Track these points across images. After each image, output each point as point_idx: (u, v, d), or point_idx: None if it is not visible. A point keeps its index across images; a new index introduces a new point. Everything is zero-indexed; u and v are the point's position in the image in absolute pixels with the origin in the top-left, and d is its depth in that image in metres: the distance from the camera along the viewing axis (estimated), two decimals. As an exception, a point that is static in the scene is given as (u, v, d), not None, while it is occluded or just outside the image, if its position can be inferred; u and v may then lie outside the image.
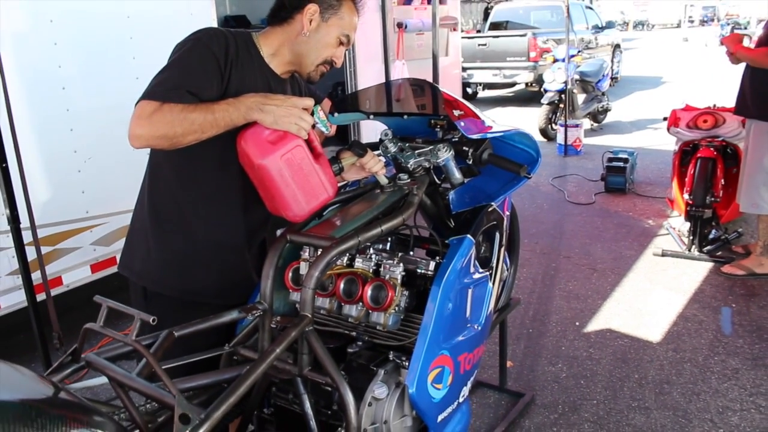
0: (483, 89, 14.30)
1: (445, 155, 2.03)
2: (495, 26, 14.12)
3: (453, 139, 2.10)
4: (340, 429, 1.61)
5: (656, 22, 46.59)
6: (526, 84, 13.17)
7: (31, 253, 3.02)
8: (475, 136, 1.99)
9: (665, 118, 5.08)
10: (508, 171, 2.11)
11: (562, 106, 8.52)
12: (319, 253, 1.68)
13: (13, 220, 2.62)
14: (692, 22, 43.67)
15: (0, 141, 2.53)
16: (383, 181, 2.02)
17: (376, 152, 2.11)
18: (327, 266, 1.65)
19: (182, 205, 1.86)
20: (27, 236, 3.01)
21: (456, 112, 2.00)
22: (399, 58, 5.46)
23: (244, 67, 1.81)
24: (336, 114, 2.12)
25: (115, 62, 3.84)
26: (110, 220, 3.91)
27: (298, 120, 1.69)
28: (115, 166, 3.84)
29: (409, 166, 2.06)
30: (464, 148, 2.08)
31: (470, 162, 2.09)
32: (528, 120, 9.83)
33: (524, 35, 12.09)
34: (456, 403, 1.88)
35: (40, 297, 3.32)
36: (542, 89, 9.25)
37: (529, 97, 13.03)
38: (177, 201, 1.86)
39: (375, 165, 2.00)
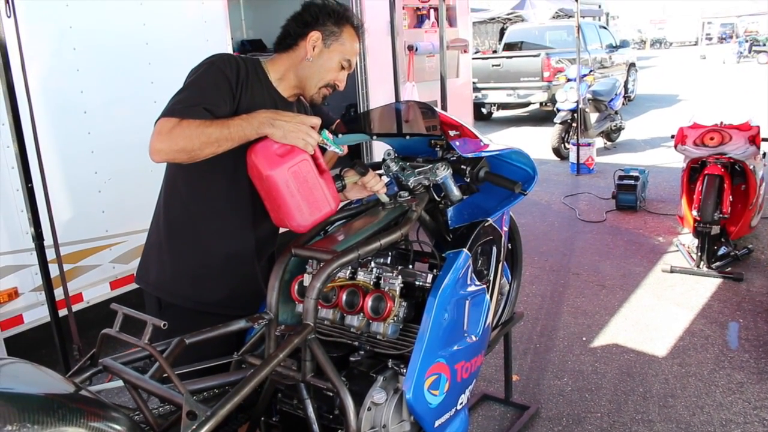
0: (497, 109, 14.42)
1: (444, 173, 2.13)
2: (509, 47, 14.26)
3: (451, 158, 2.21)
4: (340, 431, 1.70)
5: (674, 40, 46.52)
6: (540, 104, 13.28)
7: (53, 270, 3.17)
8: (469, 155, 2.09)
9: (673, 136, 5.15)
10: (504, 188, 2.20)
11: (574, 125, 8.60)
12: (321, 266, 1.78)
13: (38, 237, 2.75)
14: (710, 39, 43.54)
15: (26, 162, 2.67)
16: (384, 199, 2.13)
17: (379, 171, 2.23)
18: (328, 278, 1.75)
19: (195, 219, 1.98)
20: (50, 254, 3.16)
21: (452, 132, 2.10)
22: (409, 80, 5.59)
23: (254, 90, 1.94)
24: (340, 135, 2.24)
25: (134, 87, 3.99)
26: (128, 238, 4.03)
27: (306, 136, 1.80)
28: (133, 187, 3.98)
29: (409, 184, 2.17)
30: (462, 166, 2.18)
31: (468, 180, 2.20)
32: (542, 139, 9.91)
33: (537, 55, 12.21)
34: (454, 410, 1.97)
35: (62, 312, 3.48)
36: (555, 109, 9.35)
37: (544, 117, 13.12)
38: (190, 215, 1.98)
39: (376, 184, 2.11)
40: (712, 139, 4.85)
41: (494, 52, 16.33)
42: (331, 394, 1.77)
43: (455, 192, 2.19)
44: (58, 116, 3.64)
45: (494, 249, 2.29)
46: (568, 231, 5.98)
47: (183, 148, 1.74)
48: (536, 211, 6.53)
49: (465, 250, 2.02)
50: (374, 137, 2.36)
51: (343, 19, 2.06)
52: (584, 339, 3.84)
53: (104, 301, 4.01)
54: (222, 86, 1.85)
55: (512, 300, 2.85)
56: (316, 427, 1.76)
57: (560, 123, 8.87)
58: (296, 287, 2.02)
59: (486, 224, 2.22)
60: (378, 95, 5.52)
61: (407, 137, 2.32)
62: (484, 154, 2.14)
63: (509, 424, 3.03)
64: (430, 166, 2.16)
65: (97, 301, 3.97)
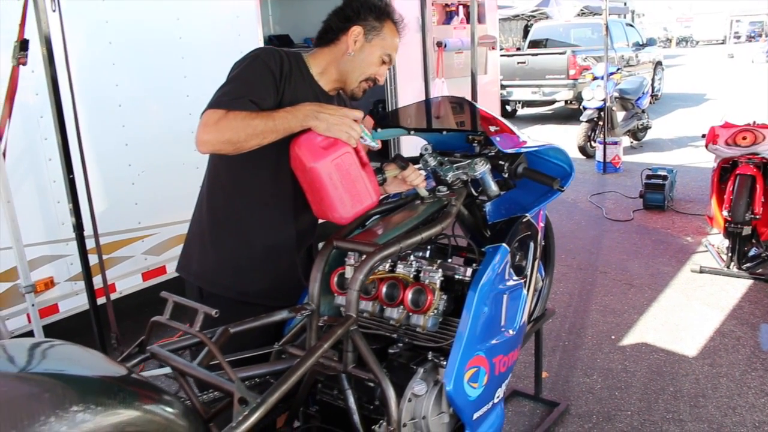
0: (522, 107, 14.35)
1: (482, 169, 2.14)
2: (534, 44, 14.20)
3: (489, 154, 2.22)
4: (382, 421, 1.71)
5: (700, 39, 45.94)
6: (566, 102, 13.20)
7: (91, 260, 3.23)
8: (510, 151, 2.10)
9: (704, 135, 5.10)
10: (542, 184, 2.21)
11: (601, 123, 8.55)
12: (363, 258, 1.80)
13: (78, 228, 2.80)
14: (738, 37, 42.90)
15: (68, 154, 2.72)
16: (423, 193, 2.14)
17: (417, 166, 2.24)
18: (371, 270, 1.77)
19: (238, 211, 2.01)
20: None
21: (492, 128, 2.11)
22: (439, 76, 5.59)
23: (296, 83, 1.96)
24: (379, 130, 2.26)
25: (167, 81, 4.04)
26: (160, 230, 4.09)
27: (349, 129, 1.82)
28: (165, 180, 4.04)
29: (447, 178, 2.18)
30: (500, 162, 2.19)
31: (506, 175, 2.20)
32: (567, 137, 9.86)
33: (563, 53, 12.14)
34: (491, 404, 1.98)
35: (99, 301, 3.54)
36: (581, 107, 9.29)
37: (569, 115, 13.04)
38: (234, 207, 2.01)
39: (416, 178, 2.12)
40: (744, 138, 4.79)
41: (518, 49, 16.26)
42: (371, 384, 1.79)
43: (493, 187, 2.19)
44: (94, 109, 3.70)
45: (531, 244, 2.30)
46: (595, 229, 5.96)
47: (229, 140, 1.77)
48: (563, 210, 6.51)
49: (504, 244, 2.03)
50: (411, 132, 2.38)
51: (385, 14, 2.07)
52: (613, 337, 3.83)
53: (136, 291, 4.07)
54: (267, 79, 1.88)
55: (544, 296, 2.85)
56: (356, 417, 1.78)
57: (586, 121, 8.81)
58: (335, 279, 2.04)
59: (524, 220, 2.23)
60: (406, 92, 5.53)
61: (444, 132, 2.34)
62: (523, 150, 2.14)
63: (539, 420, 3.03)
64: (469, 161, 2.17)
65: (130, 291, 4.02)
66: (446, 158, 2.24)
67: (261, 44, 4.51)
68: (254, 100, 1.82)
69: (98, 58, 3.70)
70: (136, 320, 3.93)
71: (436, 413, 1.82)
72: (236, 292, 2.04)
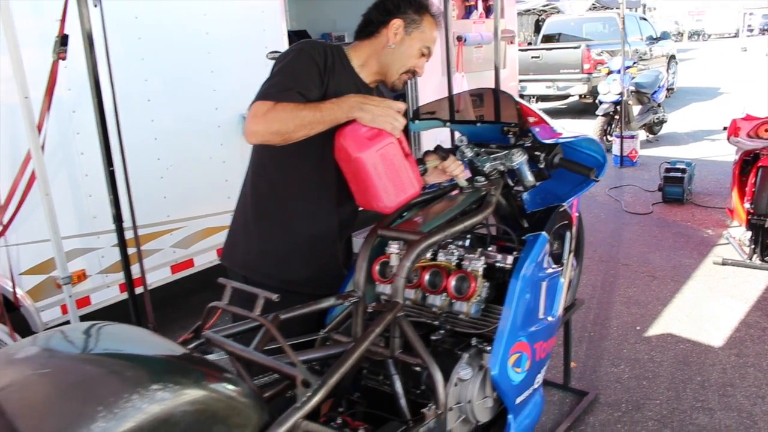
0: (536, 101, 14.33)
1: (520, 159, 2.18)
2: (547, 39, 14.18)
3: (526, 145, 2.25)
4: (430, 405, 1.75)
5: (713, 32, 45.61)
6: (580, 96, 13.16)
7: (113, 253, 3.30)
8: (548, 141, 2.13)
9: (725, 128, 5.11)
10: (578, 174, 2.24)
11: (617, 117, 8.54)
12: (410, 246, 1.84)
13: (117, 219, 2.85)
14: (751, 31, 42.49)
15: (108, 148, 2.77)
16: (463, 183, 2.18)
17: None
18: (417, 257, 1.81)
19: (283, 200, 2.05)
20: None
21: (530, 119, 2.14)
22: (459, 70, 5.61)
23: (339, 76, 2.00)
24: (416, 122, 2.30)
25: (194, 76, 4.08)
26: (188, 224, 4.13)
27: (393, 120, 1.86)
28: (192, 174, 4.08)
29: (485, 169, 2.22)
30: (536, 152, 2.23)
31: (542, 166, 2.24)
32: (582, 132, 9.85)
33: (578, 47, 12.11)
34: (532, 389, 2.02)
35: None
36: (597, 101, 9.28)
37: (583, 109, 13.01)
38: (278, 196, 2.06)
39: (456, 168, 2.16)
40: (766, 131, 4.80)
41: (529, 44, 16.24)
42: (417, 369, 1.83)
43: (529, 177, 2.23)
44: (124, 104, 3.72)
45: (568, 234, 2.33)
46: (615, 222, 5.97)
47: (278, 131, 1.81)
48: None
49: (544, 233, 2.07)
50: (447, 124, 2.42)
51: (423, 7, 2.11)
52: (638, 328, 3.86)
53: (164, 284, 4.13)
54: (312, 72, 1.92)
55: (574, 286, 2.89)
56: (403, 401, 1.82)
57: (602, 115, 8.80)
58: (377, 267, 2.08)
59: (561, 209, 2.26)
60: (426, 86, 5.55)
61: (478, 124, 2.37)
62: (561, 141, 2.18)
63: (569, 409, 3.06)
64: (506, 152, 2.21)
65: (158, 284, 4.07)
66: (483, 149, 2.28)
67: (285, 40, 4.55)
68: (301, 91, 1.86)
69: (128, 54, 3.75)
70: (163, 312, 3.99)
71: (481, 397, 1.86)
72: (279, 280, 2.08)
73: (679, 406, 3.07)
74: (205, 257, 4.23)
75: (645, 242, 5.40)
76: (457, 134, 2.44)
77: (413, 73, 2.14)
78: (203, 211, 4.19)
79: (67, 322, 3.32)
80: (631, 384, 3.27)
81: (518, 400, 1.93)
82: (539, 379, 2.09)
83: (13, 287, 3.20)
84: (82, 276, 3.62)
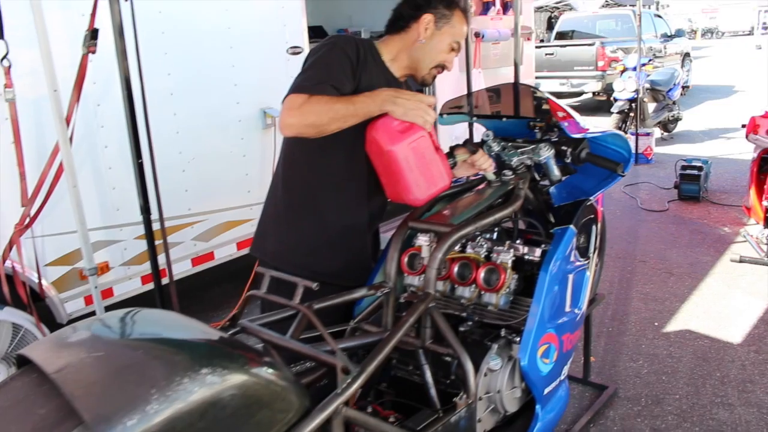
0: (549, 98, 14.29)
1: (547, 153, 2.20)
2: (561, 36, 14.15)
3: (552, 139, 2.27)
4: (462, 394, 1.78)
5: (726, 30, 45.31)
6: (594, 93, 13.14)
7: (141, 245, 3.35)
8: (577, 135, 2.15)
9: (744, 125, 5.10)
10: (604, 169, 2.26)
11: (632, 114, 8.53)
12: (441, 237, 1.87)
13: (145, 210, 2.89)
14: (766, 28, 42.16)
15: (137, 140, 2.80)
16: (491, 177, 2.20)
17: (480, 151, 2.30)
18: (449, 249, 1.84)
19: (315, 192, 2.08)
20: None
21: (559, 114, 2.16)
22: (476, 66, 5.62)
23: (371, 70, 2.03)
24: (444, 116, 2.32)
25: (216, 70, 4.11)
26: (209, 217, 4.17)
27: (425, 114, 1.89)
28: (214, 168, 4.12)
29: (512, 163, 2.24)
30: (563, 147, 2.25)
31: (568, 160, 2.26)
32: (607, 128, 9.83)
33: (592, 44, 12.09)
34: (558, 380, 2.05)
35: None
36: (612, 98, 9.27)
37: (596, 107, 12.99)
38: (310, 188, 2.09)
39: (484, 162, 2.18)
40: (786, 128, 4.79)
41: (542, 41, 16.19)
42: (447, 360, 1.86)
43: (556, 172, 2.25)
44: (148, 98, 3.76)
45: (594, 228, 2.35)
46: (631, 219, 5.98)
47: (312, 123, 1.84)
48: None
49: (572, 226, 2.09)
50: (474, 119, 2.44)
51: (454, 2, 2.13)
52: (656, 324, 3.87)
53: (185, 277, 4.17)
54: (345, 65, 1.94)
55: (596, 280, 2.90)
56: (433, 391, 1.85)
57: (617, 113, 8.79)
58: (406, 260, 2.10)
59: (587, 203, 2.28)
60: (444, 83, 5.56)
61: (504, 119, 2.39)
62: (589, 136, 2.19)
63: (588, 402, 3.08)
64: (533, 146, 2.23)
65: (180, 277, 4.11)
66: (509, 144, 2.30)
67: (305, 35, 4.58)
68: (335, 85, 1.88)
69: (152, 48, 3.77)
70: (184, 305, 4.03)
71: (510, 387, 1.89)
72: (310, 271, 2.10)
73: (699, 401, 3.08)
74: (225, 250, 4.27)
75: (662, 239, 5.40)
76: (482, 129, 2.46)
77: (443, 68, 2.16)
78: (224, 204, 4.23)
79: (93, 313, 3.37)
80: (651, 379, 3.28)
81: (546, 390, 1.95)
82: (565, 370, 2.11)
83: (39, 278, 3.25)
84: (105, 268, 3.66)
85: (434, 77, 2.18)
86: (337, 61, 1.94)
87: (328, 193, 2.08)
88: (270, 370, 1.29)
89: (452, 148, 2.19)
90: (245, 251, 4.35)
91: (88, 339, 1.28)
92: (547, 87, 12.75)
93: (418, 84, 2.21)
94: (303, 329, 1.69)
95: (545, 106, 2.25)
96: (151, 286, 3.84)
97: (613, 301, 4.22)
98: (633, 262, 4.88)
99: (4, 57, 2.75)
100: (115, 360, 1.17)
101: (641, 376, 3.31)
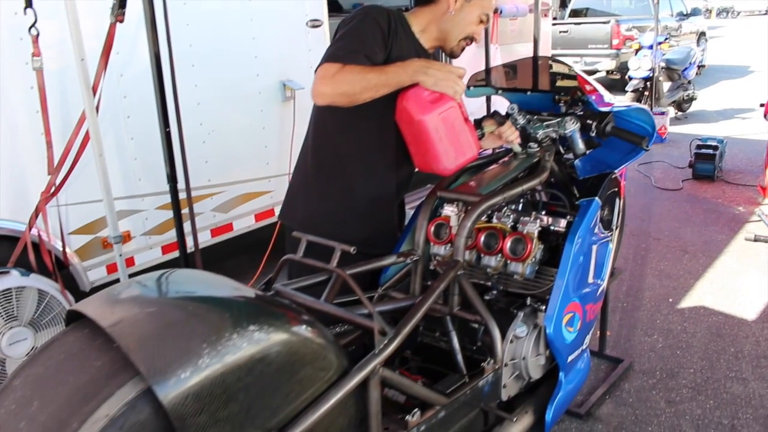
0: (562, 76, 14.21)
1: (573, 127, 2.22)
2: (575, 13, 14.03)
3: (578, 113, 2.29)
4: (489, 360, 1.82)
5: (742, 9, 44.70)
6: (607, 72, 13.06)
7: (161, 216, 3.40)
8: (604, 109, 2.17)
9: (762, 105, 5.09)
10: (629, 143, 2.28)
11: (646, 93, 8.49)
12: (470, 206, 1.90)
13: (172, 179, 2.93)
14: (782, 9, 41.57)
15: (165, 109, 2.84)
16: (517, 149, 2.23)
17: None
18: (478, 218, 1.87)
19: (344, 161, 2.12)
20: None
21: (587, 87, 2.18)
22: (493, 42, 5.61)
23: (401, 41, 2.05)
24: (470, 88, 2.35)
25: (237, 42, 4.12)
26: (228, 189, 4.20)
27: (455, 84, 1.91)
28: (233, 139, 4.15)
29: (538, 136, 2.26)
30: (588, 121, 2.26)
31: (593, 134, 2.27)
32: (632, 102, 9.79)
33: (607, 22, 11.99)
34: (580, 349, 2.09)
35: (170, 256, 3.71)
36: (627, 77, 9.22)
37: (610, 85, 12.87)
38: (340, 158, 2.12)
39: (511, 134, 2.21)
40: (804, 108, 4.78)
41: (554, 18, 16.04)
42: (474, 326, 1.91)
43: (580, 145, 2.27)
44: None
45: (617, 201, 2.38)
46: (645, 198, 5.99)
47: (345, 92, 1.86)
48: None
49: (597, 198, 2.12)
50: (499, 92, 2.46)
51: (483, -25, 2.14)
52: (671, 300, 3.91)
53: (203, 248, 4.22)
54: (377, 36, 1.97)
55: (615, 254, 2.93)
56: (460, 357, 1.90)
57: (632, 91, 8.75)
58: (432, 229, 2.14)
59: (612, 176, 2.31)
60: (461, 58, 5.57)
61: (528, 93, 2.41)
62: (615, 109, 2.21)
63: (604, 375, 3.13)
64: (559, 119, 2.25)
65: (200, 247, 4.17)
66: (534, 116, 2.32)
67: (324, 9, 4.57)
68: (368, 54, 1.91)
69: (174, 19, 3.78)
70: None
71: (535, 354, 1.93)
72: (339, 239, 2.14)
73: (713, 375, 3.12)
74: (244, 222, 4.31)
75: (676, 217, 5.42)
76: (499, 105, 2.48)
77: (471, 40, 2.19)
78: (243, 176, 4.26)
79: (117, 280, 3.43)
80: (665, 353, 3.32)
81: (570, 358, 2.00)
82: (587, 340, 2.15)
83: (63, 246, 3.30)
84: (127, 237, 3.71)
85: (462, 49, 2.20)
86: (370, 31, 1.96)
87: (358, 162, 2.12)
88: (312, 330, 1.34)
89: (480, 120, 2.22)
90: (263, 223, 4.41)
91: (137, 296, 1.32)
92: (560, 65, 12.67)
93: (447, 55, 2.23)
94: (336, 294, 1.73)
95: (573, 81, 2.26)
96: (170, 256, 3.92)
97: (628, 277, 4.25)
98: (647, 240, 4.91)
99: (32, 25, 2.78)
100: (166, 316, 1.22)
101: (656, 350, 3.35)
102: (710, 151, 6.39)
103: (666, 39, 9.20)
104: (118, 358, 1.16)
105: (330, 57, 1.91)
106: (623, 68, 10.52)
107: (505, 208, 2.14)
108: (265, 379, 1.22)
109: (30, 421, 1.12)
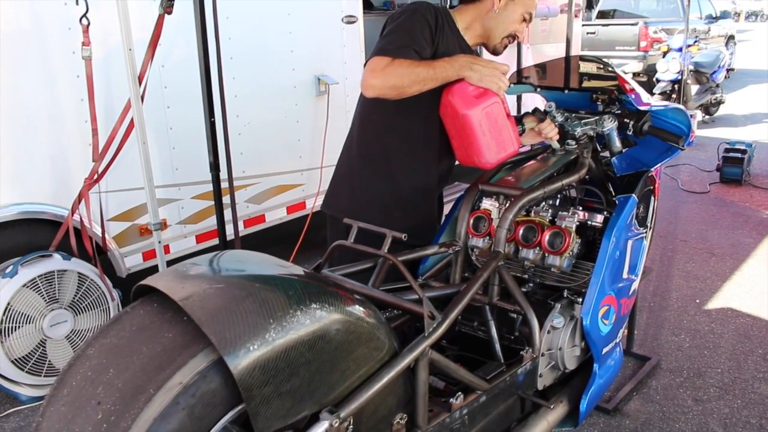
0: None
1: (610, 125, 2.27)
2: (602, 14, 13.97)
3: (615, 112, 2.34)
4: (527, 348, 1.88)
5: (770, 13, 44.12)
6: (634, 74, 12.99)
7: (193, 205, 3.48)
8: (643, 108, 2.21)
9: (793, 109, 5.07)
10: (666, 142, 2.32)
11: (674, 96, 8.46)
12: (512, 200, 1.96)
13: (215, 168, 3.02)
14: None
15: (210, 99, 2.92)
16: (556, 145, 2.28)
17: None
18: (519, 211, 1.93)
19: (389, 152, 2.18)
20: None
21: (627, 86, 2.23)
22: (524, 42, 5.65)
23: (447, 36, 2.12)
24: (511, 85, 2.39)
25: (274, 36, 4.19)
26: (262, 180, 4.28)
27: (499, 80, 1.97)
28: (268, 132, 4.22)
29: (576, 133, 2.31)
30: (625, 119, 2.31)
31: (630, 132, 2.32)
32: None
33: (635, 24, 11.94)
34: (614, 342, 2.14)
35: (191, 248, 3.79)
36: (654, 79, 9.19)
37: (636, 87, 12.86)
38: (385, 148, 2.19)
39: (551, 131, 2.26)
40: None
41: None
42: (513, 316, 1.96)
43: (617, 143, 2.32)
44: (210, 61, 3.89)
45: (652, 199, 2.42)
46: (672, 200, 5.99)
47: (394, 85, 1.93)
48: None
49: (634, 195, 2.16)
50: (537, 90, 2.51)
51: (526, -26, 2.20)
52: (698, 301, 3.93)
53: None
54: (425, 31, 2.03)
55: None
56: (498, 346, 1.95)
57: (659, 94, 8.73)
58: (471, 221, 2.20)
59: (648, 174, 2.35)
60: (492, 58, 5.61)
61: (566, 91, 2.46)
62: (654, 109, 2.26)
63: (631, 372, 3.17)
64: (597, 117, 2.30)
65: (232, 237, 4.26)
66: (573, 114, 2.37)
67: (359, 5, 4.62)
68: (416, 49, 1.97)
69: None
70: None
71: (571, 345, 1.99)
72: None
73: (741, 375, 3.15)
74: (276, 213, 4.39)
75: (703, 220, 5.42)
76: (533, 103, 2.53)
77: (514, 38, 2.24)
78: (276, 168, 4.34)
79: (153, 268, 3.52)
80: (693, 353, 3.35)
81: (605, 350, 2.05)
82: (620, 334, 2.20)
83: (102, 232, 3.39)
84: (163, 225, 3.80)
85: (505, 47, 2.26)
86: (418, 27, 2.02)
87: (402, 153, 2.18)
88: (366, 311, 1.40)
89: (522, 116, 2.27)
90: (294, 215, 4.48)
91: (203, 273, 1.40)
92: (587, 66, 12.63)
93: (489, 52, 2.28)
94: (383, 280, 1.80)
95: (611, 80, 2.31)
96: (204, 245, 4.00)
97: (655, 278, 4.28)
98: (674, 242, 4.92)
99: (84, 15, 2.88)
100: (234, 291, 1.29)
101: (683, 350, 3.38)
102: (738, 155, 6.38)
103: (695, 42, 9.16)
104: (189, 330, 1.23)
105: (380, 51, 1.97)
106: (650, 70, 10.48)
107: (543, 203, 2.20)
108: (324, 356, 1.28)
109: (107, 386, 1.20)
